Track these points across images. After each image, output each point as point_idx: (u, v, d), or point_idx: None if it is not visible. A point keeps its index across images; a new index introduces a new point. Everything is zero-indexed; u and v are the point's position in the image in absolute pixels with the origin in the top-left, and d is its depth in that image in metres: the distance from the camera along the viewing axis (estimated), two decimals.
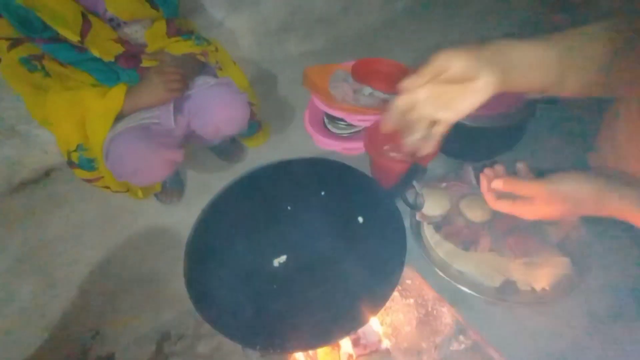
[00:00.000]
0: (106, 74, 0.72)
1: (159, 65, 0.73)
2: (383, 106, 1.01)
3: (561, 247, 0.75)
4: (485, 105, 0.85)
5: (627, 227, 0.78)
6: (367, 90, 1.02)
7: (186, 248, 0.59)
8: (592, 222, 0.79)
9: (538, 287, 0.71)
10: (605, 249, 0.77)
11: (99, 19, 0.71)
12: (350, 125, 1.04)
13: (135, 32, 0.79)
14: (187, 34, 0.86)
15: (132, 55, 0.75)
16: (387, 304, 0.71)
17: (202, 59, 0.83)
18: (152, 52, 0.79)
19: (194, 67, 0.81)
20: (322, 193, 0.67)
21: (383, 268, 0.54)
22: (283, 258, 0.63)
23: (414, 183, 0.60)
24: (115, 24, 0.75)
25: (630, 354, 0.63)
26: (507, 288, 0.73)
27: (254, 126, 1.10)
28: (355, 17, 1.46)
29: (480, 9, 1.55)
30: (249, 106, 0.84)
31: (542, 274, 0.72)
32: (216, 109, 0.77)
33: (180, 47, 0.80)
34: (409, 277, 0.74)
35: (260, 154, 1.13)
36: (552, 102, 0.96)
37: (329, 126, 1.07)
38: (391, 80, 1.06)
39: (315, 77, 1.08)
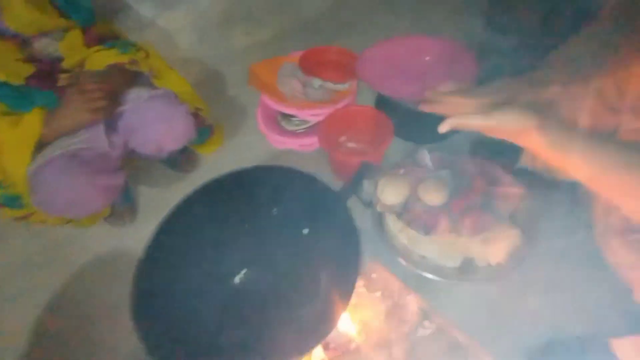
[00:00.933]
0: (18, 99, 0.64)
1: (78, 82, 0.66)
2: (334, 97, 0.99)
3: (512, 219, 0.79)
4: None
5: (570, 191, 0.83)
6: (317, 82, 0.99)
7: (134, 280, 0.55)
8: (539, 189, 0.83)
9: (494, 261, 0.74)
10: (552, 216, 0.81)
11: (0, 38, 0.63)
12: (304, 121, 1.02)
13: (48, 47, 0.70)
14: (111, 41, 0.78)
15: (46, 74, 0.68)
16: (355, 300, 0.72)
17: (133, 68, 0.76)
18: (70, 67, 0.71)
19: (123, 79, 0.74)
20: (276, 201, 0.65)
21: (341, 271, 0.54)
22: (243, 273, 0.61)
23: (365, 182, 0.59)
24: (21, 40, 0.66)
25: (583, 318, 0.68)
26: (467, 266, 0.76)
27: (205, 132, 1.05)
28: (301, 3, 1.40)
29: None
30: (191, 117, 0.79)
31: (496, 248, 0.75)
32: (154, 124, 0.71)
33: (103, 58, 0.73)
34: (374, 270, 0.75)
35: (216, 160, 1.08)
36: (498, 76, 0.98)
37: (283, 123, 1.04)
38: (341, 69, 1.03)
39: (262, 74, 1.04)
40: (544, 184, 0.84)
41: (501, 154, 0.89)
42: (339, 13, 1.46)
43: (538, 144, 0.39)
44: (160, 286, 0.57)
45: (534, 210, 0.78)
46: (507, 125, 0.40)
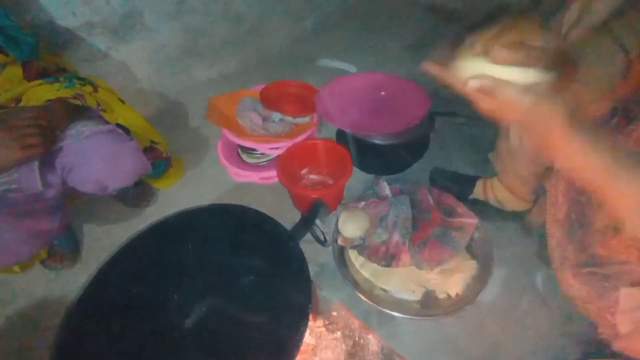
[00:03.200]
0: None
1: (6, 118, 0.61)
2: (295, 130, 1.00)
3: (468, 250, 0.80)
4: (391, 124, 0.88)
5: (519, 220, 0.87)
6: (277, 116, 0.99)
7: (55, 338, 0.49)
8: (490, 219, 0.86)
9: (452, 293, 0.75)
10: (504, 243, 0.84)
11: None
12: (265, 154, 1.01)
13: None
14: (54, 75, 0.74)
15: None
16: (315, 342, 0.68)
17: (78, 102, 0.73)
18: (5, 102, 0.66)
19: (63, 114, 0.70)
20: (228, 241, 0.62)
21: (291, 314, 0.51)
22: (188, 322, 0.57)
23: (317, 222, 0.58)
24: None
25: (540, 346, 0.69)
26: (428, 299, 0.76)
27: (162, 165, 1.01)
28: (264, 38, 1.44)
29: (383, 23, 1.64)
30: (141, 153, 0.76)
31: (454, 280, 0.76)
32: (96, 162, 0.67)
33: (43, 93, 0.69)
34: (334, 308, 0.72)
35: (173, 193, 1.03)
36: (450, 114, 1.04)
37: (243, 156, 1.02)
38: (302, 103, 1.05)
39: (222, 106, 1.03)
40: (494, 213, 0.88)
41: (456, 184, 0.93)
42: (301, 48, 1.51)
43: (558, 142, 0.34)
44: (90, 343, 0.51)
45: (487, 240, 0.80)
46: (535, 115, 0.34)
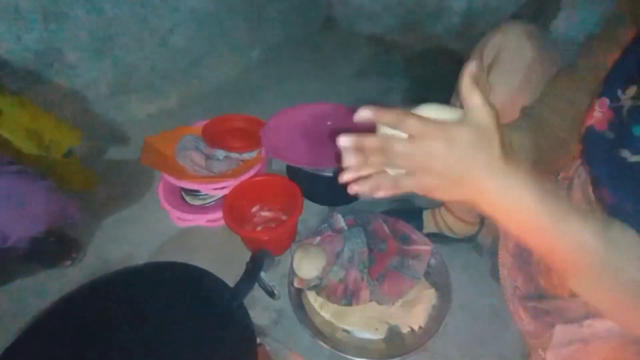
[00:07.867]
0: None
1: None
2: (242, 167, 0.95)
3: (426, 277, 0.79)
4: (340, 155, 0.86)
5: (469, 240, 0.88)
6: (222, 153, 0.94)
7: None
8: (442, 243, 0.87)
9: (415, 326, 0.72)
10: (458, 266, 0.84)
11: None
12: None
13: None
14: None
15: None
16: None
17: None
18: None
19: None
20: (163, 307, 0.54)
21: None
22: None
23: (262, 274, 0.53)
24: None
25: None
26: (392, 334, 0.73)
27: None
28: (206, 71, 1.39)
29: (328, 53, 1.69)
30: (56, 194, 0.65)
31: (416, 312, 0.74)
32: None
33: None
34: None
35: (106, 245, 0.91)
36: None
37: (187, 198, 0.94)
38: (247, 137, 1.01)
39: (160, 147, 0.95)
40: (446, 239, 0.88)
41: (411, 213, 0.92)
42: (247, 80, 1.48)
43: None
44: None
45: (443, 266, 0.80)
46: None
